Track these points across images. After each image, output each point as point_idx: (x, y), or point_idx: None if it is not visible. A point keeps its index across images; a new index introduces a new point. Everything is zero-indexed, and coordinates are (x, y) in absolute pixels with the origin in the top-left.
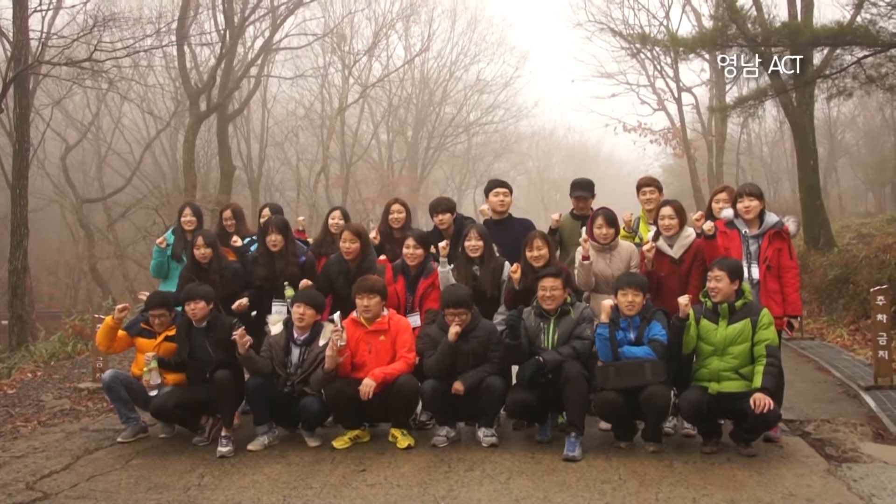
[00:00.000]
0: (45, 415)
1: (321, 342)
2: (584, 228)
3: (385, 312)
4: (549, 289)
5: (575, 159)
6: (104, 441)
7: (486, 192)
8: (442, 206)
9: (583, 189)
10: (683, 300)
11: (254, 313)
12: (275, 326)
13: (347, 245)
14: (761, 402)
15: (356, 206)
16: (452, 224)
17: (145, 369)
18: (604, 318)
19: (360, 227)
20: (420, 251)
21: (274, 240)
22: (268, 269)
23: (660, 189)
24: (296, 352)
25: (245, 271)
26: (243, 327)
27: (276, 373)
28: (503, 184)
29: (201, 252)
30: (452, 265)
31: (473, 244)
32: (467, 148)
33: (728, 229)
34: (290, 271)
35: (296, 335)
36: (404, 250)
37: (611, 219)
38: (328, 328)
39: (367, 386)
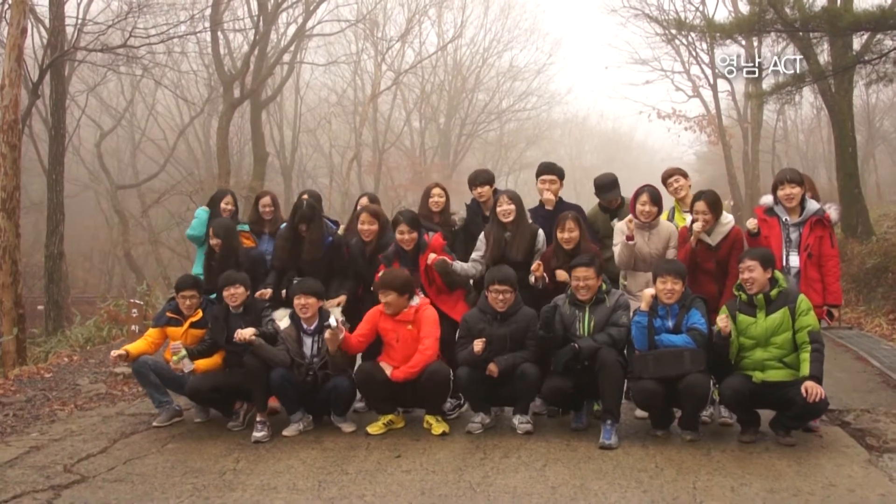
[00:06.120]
0: (82, 398)
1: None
2: (615, 221)
3: (414, 302)
4: (583, 278)
5: (608, 147)
6: (140, 425)
7: (536, 176)
8: (481, 178)
9: (610, 190)
10: (722, 322)
11: (283, 292)
12: (282, 321)
13: (366, 227)
14: (813, 390)
15: (388, 193)
16: (491, 197)
17: (174, 358)
18: (644, 307)
19: (378, 209)
20: (414, 234)
21: (302, 228)
22: (291, 250)
23: (685, 175)
24: (308, 341)
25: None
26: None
27: (297, 363)
28: (550, 170)
29: (213, 242)
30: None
31: (505, 209)
32: (500, 135)
33: (768, 217)
34: (312, 256)
35: (305, 326)
36: (398, 236)
37: (656, 197)
38: (336, 312)
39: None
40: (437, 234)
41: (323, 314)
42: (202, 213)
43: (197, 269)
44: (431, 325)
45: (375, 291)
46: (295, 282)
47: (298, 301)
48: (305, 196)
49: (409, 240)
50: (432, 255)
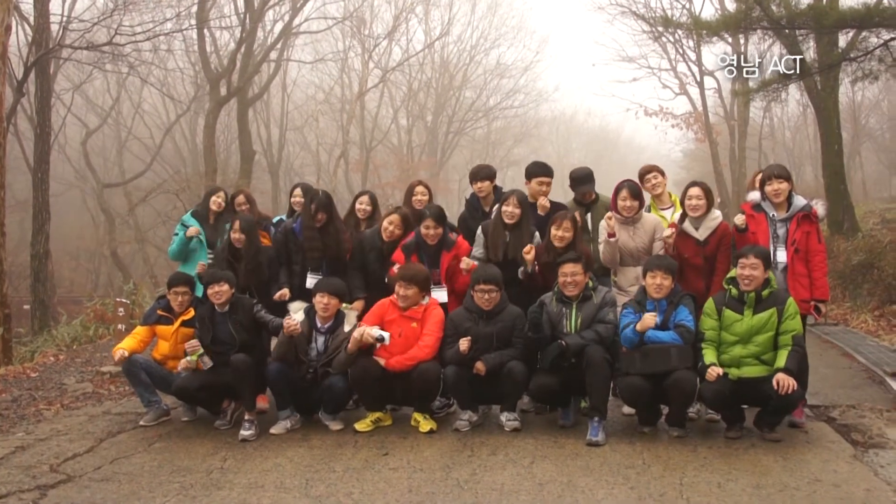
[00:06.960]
0: (68, 398)
1: (346, 328)
2: (589, 215)
3: (425, 301)
4: (570, 274)
5: (595, 144)
6: (127, 424)
7: (529, 176)
8: (482, 173)
9: (585, 183)
10: (710, 376)
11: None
12: (297, 314)
13: (392, 229)
14: (784, 382)
15: (376, 191)
16: (492, 193)
17: (193, 357)
18: (640, 327)
19: (409, 217)
20: (440, 230)
21: (320, 217)
22: (323, 241)
23: (661, 172)
24: (320, 339)
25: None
26: (299, 322)
27: (299, 360)
28: (545, 171)
29: (236, 236)
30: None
31: (511, 211)
32: (487, 133)
33: (755, 213)
34: (344, 248)
35: (319, 324)
36: (423, 230)
37: (635, 192)
38: (352, 315)
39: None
40: (460, 236)
41: (339, 315)
42: (182, 229)
43: (189, 270)
44: (435, 324)
45: (392, 283)
46: (313, 279)
47: (321, 300)
48: (298, 189)
49: (434, 234)
50: (468, 261)
